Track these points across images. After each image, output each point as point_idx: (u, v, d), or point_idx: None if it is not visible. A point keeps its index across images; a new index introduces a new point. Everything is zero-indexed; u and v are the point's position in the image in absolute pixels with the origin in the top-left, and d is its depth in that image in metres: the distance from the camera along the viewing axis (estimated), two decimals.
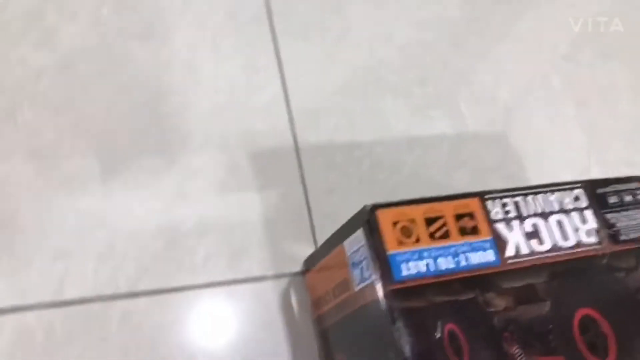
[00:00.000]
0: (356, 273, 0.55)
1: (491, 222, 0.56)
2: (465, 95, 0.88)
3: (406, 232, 0.53)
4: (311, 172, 0.77)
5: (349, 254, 0.56)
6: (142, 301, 0.65)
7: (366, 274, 0.53)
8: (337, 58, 0.84)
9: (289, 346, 0.67)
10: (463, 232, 0.55)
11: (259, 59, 0.81)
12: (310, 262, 0.68)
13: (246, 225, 0.72)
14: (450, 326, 0.50)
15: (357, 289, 0.55)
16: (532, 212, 0.58)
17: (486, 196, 0.57)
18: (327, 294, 0.62)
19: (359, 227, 0.54)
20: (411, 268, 0.52)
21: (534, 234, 0.57)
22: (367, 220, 0.53)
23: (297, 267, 0.71)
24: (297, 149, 0.77)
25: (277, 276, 0.71)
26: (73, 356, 0.61)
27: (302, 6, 0.85)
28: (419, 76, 0.87)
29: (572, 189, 0.60)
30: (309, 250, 0.70)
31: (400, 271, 0.51)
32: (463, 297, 0.52)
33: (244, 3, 0.83)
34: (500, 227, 0.56)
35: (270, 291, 0.70)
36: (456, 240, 0.54)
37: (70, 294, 0.63)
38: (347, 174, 0.78)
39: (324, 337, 0.65)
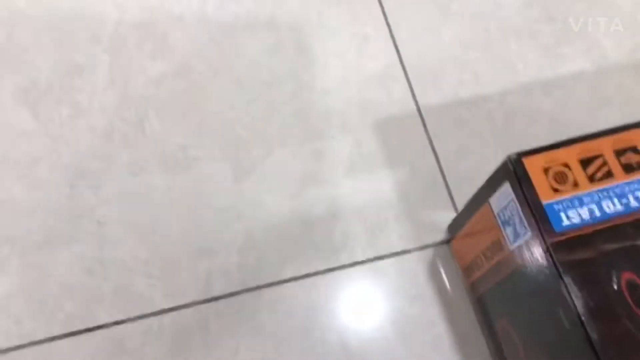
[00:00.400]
0: (509, 231, 0.50)
1: None
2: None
3: (560, 178, 0.47)
4: (439, 135, 0.72)
5: (496, 212, 0.52)
6: (288, 287, 0.65)
7: (520, 230, 0.48)
8: (449, 10, 0.79)
9: (443, 318, 0.64)
10: (628, 169, 0.48)
11: (367, 27, 0.78)
12: (454, 228, 0.64)
13: (380, 199, 0.69)
14: (627, 275, 0.44)
15: (512, 248, 0.50)
16: None
17: None
18: (478, 258, 0.58)
19: (505, 181, 0.49)
20: (572, 217, 0.46)
21: None
22: (513, 171, 0.48)
23: (440, 236, 0.68)
24: (420, 114, 0.73)
25: (420, 248, 0.67)
26: (230, 348, 0.62)
27: None
28: (544, 12, 0.79)
29: None
30: (450, 216, 0.66)
31: (560, 221, 0.46)
32: (633, 243, 0.45)
33: None
34: None
35: (416, 264, 0.66)
36: (621, 179, 0.47)
37: (218, 289, 0.64)
38: (478, 131, 0.72)
39: (481, 304, 0.61)
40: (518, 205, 0.48)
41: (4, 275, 0.64)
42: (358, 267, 0.66)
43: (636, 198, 0.47)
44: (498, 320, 0.58)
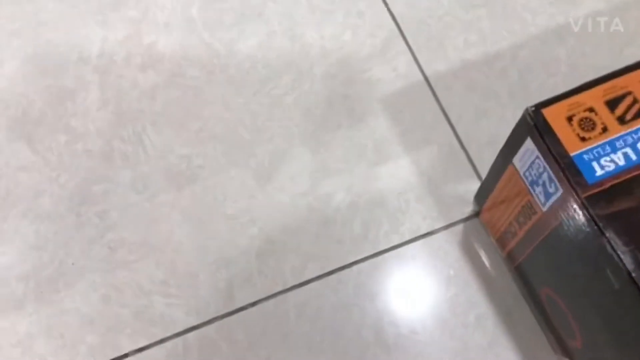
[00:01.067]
0: (539, 191, 0.46)
1: None
2: None
3: (587, 124, 0.43)
4: (452, 102, 0.68)
5: (522, 172, 0.47)
6: (313, 288, 0.61)
7: (551, 189, 0.44)
8: None
9: (484, 296, 0.60)
10: None
11: (360, 3, 0.74)
12: (481, 198, 0.60)
13: (398, 181, 0.65)
14: None
15: (545, 209, 0.46)
16: None
17: None
18: (511, 225, 0.53)
19: (526, 137, 0.45)
20: (606, 165, 0.41)
21: None
22: (533, 124, 0.43)
23: (468, 209, 0.63)
24: (429, 84, 0.69)
25: (448, 226, 0.63)
26: (262, 357, 0.59)
27: None
28: None
29: None
30: (475, 186, 0.62)
31: (592, 172, 0.41)
32: None
33: None
34: None
35: (445, 243, 0.62)
36: None
37: (241, 299, 0.61)
38: (493, 92, 0.68)
39: (521, 273, 0.57)
40: (544, 161, 0.43)
41: (22, 314, 0.62)
42: (384, 256, 0.63)
43: None
44: (542, 289, 0.53)
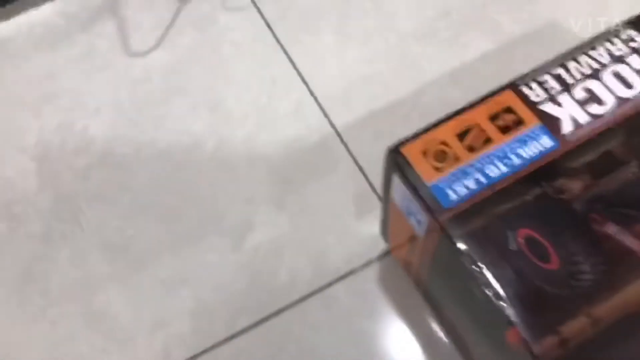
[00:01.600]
0: (413, 220, 0.51)
1: (533, 106, 0.49)
2: (498, 7, 0.81)
3: (440, 156, 0.48)
4: (362, 151, 0.74)
5: (399, 205, 0.52)
6: (244, 339, 0.65)
7: (419, 217, 0.49)
8: (346, 33, 0.82)
9: (406, 326, 0.63)
10: (505, 130, 0.49)
11: (273, 70, 0.81)
12: (384, 232, 0.64)
13: (318, 227, 0.70)
14: (523, 232, 0.44)
15: (421, 235, 0.50)
16: (578, 77, 0.50)
17: (517, 83, 0.51)
18: (409, 254, 0.58)
19: (392, 174, 0.50)
20: (458, 190, 0.46)
21: (589, 99, 0.49)
22: (395, 162, 0.49)
23: (382, 246, 0.68)
24: (340, 136, 0.75)
25: (366, 264, 0.67)
26: None
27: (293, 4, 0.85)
28: (438, 9, 0.82)
29: (617, 32, 0.52)
30: None
31: (447, 197, 0.46)
32: (529, 197, 0.46)
33: (242, 26, 0.84)
34: (547, 107, 0.49)
35: (365, 281, 0.67)
36: (500, 142, 0.48)
37: (177, 357, 0.65)
38: (397, 135, 0.73)
39: (429, 298, 0.61)
40: (409, 193, 0.48)
41: None
42: (312, 299, 0.67)
43: (517, 155, 0.47)
44: (445, 311, 0.57)
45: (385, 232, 0.63)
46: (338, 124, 0.76)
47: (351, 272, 0.67)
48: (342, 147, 0.74)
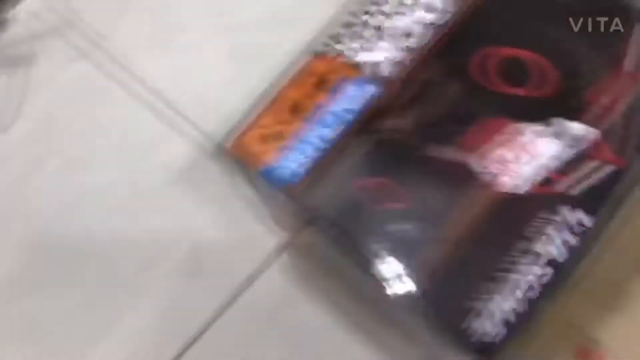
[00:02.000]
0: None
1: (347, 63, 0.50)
2: None
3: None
4: None
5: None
6: None
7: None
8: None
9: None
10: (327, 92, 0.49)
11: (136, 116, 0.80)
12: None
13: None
14: (365, 182, 0.45)
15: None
16: (376, 24, 0.51)
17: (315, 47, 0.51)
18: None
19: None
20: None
21: (398, 35, 0.50)
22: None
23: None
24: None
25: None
26: None
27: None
28: None
29: None
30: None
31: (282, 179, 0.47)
32: (368, 146, 0.46)
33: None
34: (362, 56, 0.50)
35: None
36: (328, 105, 0.49)
37: None
38: None
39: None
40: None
41: None
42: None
43: (347, 111, 0.48)
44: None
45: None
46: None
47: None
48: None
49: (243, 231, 0.69)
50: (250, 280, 0.67)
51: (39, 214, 0.76)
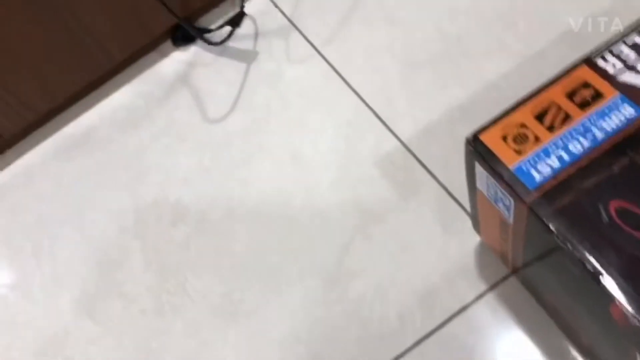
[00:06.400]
0: (501, 207, 0.53)
1: (612, 78, 0.52)
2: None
3: (521, 139, 0.51)
4: (450, 177, 0.78)
5: (486, 194, 0.55)
6: None
7: (507, 202, 0.52)
8: (412, 62, 0.88)
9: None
10: (584, 105, 0.52)
11: (345, 113, 0.87)
12: (475, 225, 0.68)
13: (419, 264, 0.74)
14: (615, 204, 0.46)
15: (511, 221, 0.53)
16: None
17: (592, 56, 0.54)
18: (501, 242, 0.61)
19: (474, 163, 0.54)
20: (542, 170, 0.49)
21: None
22: (475, 151, 0.53)
23: (497, 275, 0.70)
24: (425, 167, 0.80)
25: (480, 296, 0.70)
26: None
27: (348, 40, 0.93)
28: (505, 22, 0.87)
29: None
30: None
31: (532, 178, 0.49)
32: (617, 168, 0.48)
33: (309, 75, 0.92)
34: (626, 77, 0.52)
35: (482, 314, 0.69)
36: (580, 117, 0.51)
37: None
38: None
39: (528, 286, 0.64)
40: (493, 180, 0.52)
41: None
42: (426, 343, 0.69)
43: (600, 129, 0.50)
44: (547, 296, 0.59)
45: (476, 224, 0.66)
46: (422, 156, 0.81)
47: (465, 307, 0.70)
48: (430, 178, 0.79)
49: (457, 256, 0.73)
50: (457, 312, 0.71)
51: (250, 198, 0.85)
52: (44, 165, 0.97)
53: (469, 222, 0.74)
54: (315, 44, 0.94)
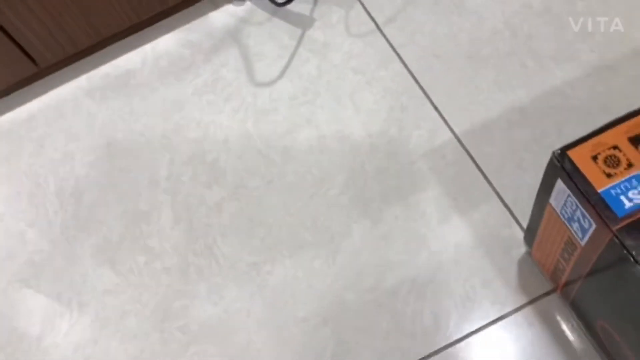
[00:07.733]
0: (576, 227, 0.53)
1: None
2: None
3: (612, 161, 0.51)
4: (505, 184, 0.78)
5: (559, 210, 0.55)
6: None
7: (585, 224, 0.51)
8: (478, 56, 0.87)
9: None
10: None
11: (401, 98, 0.86)
12: (529, 239, 0.68)
13: (461, 268, 0.74)
14: None
15: (584, 243, 0.53)
16: None
17: None
18: (559, 262, 0.61)
19: (556, 178, 0.53)
20: (634, 197, 0.49)
21: None
22: (560, 166, 0.52)
23: (540, 290, 0.70)
24: (479, 168, 0.79)
25: (518, 309, 0.70)
26: None
27: (421, 29, 0.91)
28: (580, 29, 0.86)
29: None
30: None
31: (621, 205, 0.49)
32: None
33: (367, 52, 0.91)
34: None
35: (519, 326, 0.69)
36: None
37: None
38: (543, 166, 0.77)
39: (576, 308, 0.63)
40: (575, 199, 0.51)
41: None
42: (458, 347, 0.69)
43: None
44: (598, 322, 0.59)
45: (531, 236, 0.66)
46: (477, 154, 0.80)
47: (501, 317, 0.70)
48: (483, 180, 0.78)
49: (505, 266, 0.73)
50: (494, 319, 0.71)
51: (290, 171, 0.85)
52: (76, 101, 0.95)
53: (517, 230, 0.73)
54: (378, 20, 0.92)
